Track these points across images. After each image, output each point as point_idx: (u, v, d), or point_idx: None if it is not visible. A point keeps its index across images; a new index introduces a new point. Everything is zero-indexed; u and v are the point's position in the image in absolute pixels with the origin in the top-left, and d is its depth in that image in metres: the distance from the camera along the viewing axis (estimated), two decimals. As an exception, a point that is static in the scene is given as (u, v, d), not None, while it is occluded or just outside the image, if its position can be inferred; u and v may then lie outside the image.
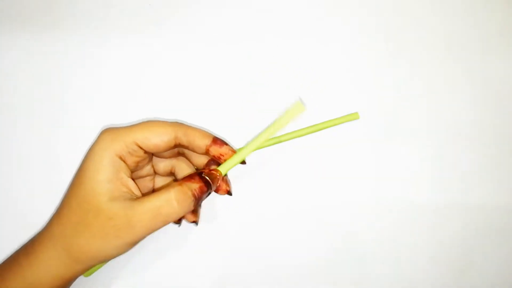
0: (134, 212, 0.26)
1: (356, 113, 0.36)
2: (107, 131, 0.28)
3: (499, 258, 0.37)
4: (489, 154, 0.38)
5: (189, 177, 0.28)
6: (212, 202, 0.36)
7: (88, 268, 0.28)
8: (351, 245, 0.37)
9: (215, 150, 0.30)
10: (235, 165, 0.30)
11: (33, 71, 0.36)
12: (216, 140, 0.30)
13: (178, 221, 0.32)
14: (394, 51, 0.38)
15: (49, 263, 0.27)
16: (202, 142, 0.29)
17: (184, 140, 0.29)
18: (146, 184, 0.33)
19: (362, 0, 0.38)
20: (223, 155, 0.30)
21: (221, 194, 0.31)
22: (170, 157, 0.32)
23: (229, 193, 0.31)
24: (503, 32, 0.39)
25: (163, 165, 0.32)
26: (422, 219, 0.37)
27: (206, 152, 0.30)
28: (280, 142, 0.35)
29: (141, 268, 0.36)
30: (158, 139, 0.28)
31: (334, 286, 0.36)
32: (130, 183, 0.28)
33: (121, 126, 0.30)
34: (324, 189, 0.37)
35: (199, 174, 0.29)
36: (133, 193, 0.28)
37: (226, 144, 0.30)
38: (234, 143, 0.35)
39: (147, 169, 0.32)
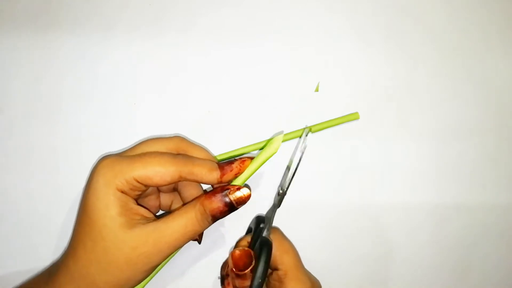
0: (161, 234, 0.26)
1: (356, 113, 0.36)
2: (105, 165, 0.27)
3: (499, 258, 0.37)
4: (489, 154, 0.38)
5: (211, 195, 0.27)
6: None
7: None
8: (350, 245, 0.37)
9: (228, 177, 0.28)
10: (252, 173, 0.29)
11: (32, 71, 0.36)
12: (223, 168, 0.28)
13: (199, 238, 0.32)
14: (394, 50, 0.38)
15: None
16: (211, 178, 0.28)
17: (190, 179, 0.28)
18: (152, 203, 0.32)
19: (363, 0, 0.38)
20: (237, 174, 0.29)
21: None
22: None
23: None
24: (504, 31, 0.39)
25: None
26: (421, 219, 0.37)
27: (218, 183, 0.29)
28: (282, 142, 0.35)
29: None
30: (159, 178, 0.27)
31: (335, 286, 0.36)
32: (141, 210, 0.28)
33: (119, 152, 0.30)
34: (324, 189, 0.37)
35: (222, 193, 0.27)
36: (147, 217, 0.27)
37: (233, 161, 0.29)
38: (235, 143, 0.36)
39: (151, 189, 0.31)
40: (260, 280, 0.28)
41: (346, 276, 0.36)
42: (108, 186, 0.26)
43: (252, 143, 0.36)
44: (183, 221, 0.26)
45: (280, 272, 0.30)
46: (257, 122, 0.36)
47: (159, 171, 0.27)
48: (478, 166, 0.38)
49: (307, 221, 0.36)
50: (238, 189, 0.27)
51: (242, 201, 0.27)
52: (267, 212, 0.32)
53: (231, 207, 0.27)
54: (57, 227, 0.35)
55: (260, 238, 0.30)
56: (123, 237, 0.26)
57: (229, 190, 0.27)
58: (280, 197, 0.31)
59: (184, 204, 0.31)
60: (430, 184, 0.37)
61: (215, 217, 0.27)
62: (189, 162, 0.28)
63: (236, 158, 0.29)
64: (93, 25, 0.37)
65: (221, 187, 0.28)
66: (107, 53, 0.36)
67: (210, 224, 0.28)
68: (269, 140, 0.30)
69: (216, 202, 0.27)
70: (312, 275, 0.33)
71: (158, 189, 0.32)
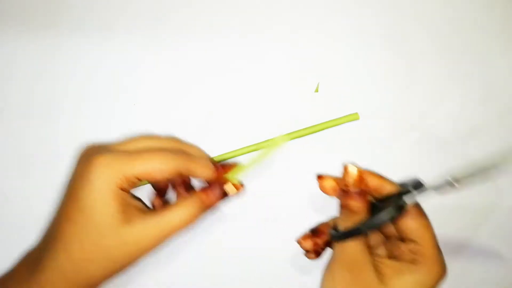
0: (161, 229, 0.27)
1: (356, 113, 0.36)
2: (104, 164, 0.27)
3: (499, 258, 0.37)
4: (489, 154, 0.38)
5: (209, 191, 0.29)
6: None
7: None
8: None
9: (220, 178, 0.31)
10: (250, 167, 0.31)
11: (32, 71, 0.36)
12: (218, 168, 0.31)
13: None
14: (394, 50, 0.38)
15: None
16: (204, 175, 0.30)
17: (185, 174, 0.29)
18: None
19: (363, 0, 0.38)
20: (223, 176, 0.31)
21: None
22: None
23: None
24: (504, 32, 0.38)
25: None
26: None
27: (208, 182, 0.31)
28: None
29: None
30: (159, 175, 0.28)
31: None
32: (136, 202, 0.29)
33: (110, 143, 0.30)
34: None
35: (218, 189, 0.29)
36: (141, 209, 0.28)
37: (227, 164, 0.31)
38: (235, 143, 0.36)
39: None
40: (369, 228, 0.28)
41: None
42: (108, 185, 0.26)
43: (253, 143, 0.36)
44: (183, 216, 0.28)
45: (416, 246, 0.29)
46: (258, 123, 0.36)
47: (159, 168, 0.27)
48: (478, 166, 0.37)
49: (305, 222, 0.36)
50: (233, 184, 0.30)
51: (235, 193, 0.30)
52: (428, 186, 0.30)
53: (225, 197, 0.30)
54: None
55: (401, 199, 0.29)
56: (125, 234, 0.27)
57: (223, 186, 0.30)
58: (449, 188, 0.28)
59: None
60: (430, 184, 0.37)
61: (211, 209, 0.30)
62: (187, 160, 0.29)
63: (230, 162, 0.32)
64: (93, 25, 0.37)
65: (217, 182, 0.30)
66: (107, 53, 0.36)
67: (205, 214, 0.30)
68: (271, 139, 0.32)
69: (213, 197, 0.29)
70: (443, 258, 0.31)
71: None
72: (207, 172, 0.30)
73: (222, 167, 0.31)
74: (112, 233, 0.26)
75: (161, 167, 0.27)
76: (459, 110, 0.38)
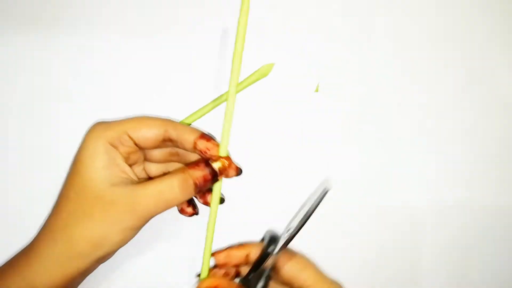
0: (137, 195, 0.26)
1: (271, 64, 0.35)
2: (99, 122, 0.28)
3: (499, 258, 0.37)
4: (489, 154, 0.38)
5: (194, 164, 0.28)
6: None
7: (91, 263, 0.27)
8: (350, 246, 0.36)
9: (202, 144, 0.29)
10: (240, 90, 0.32)
11: (31, 71, 0.36)
12: (204, 135, 0.29)
13: (193, 211, 0.32)
14: (393, 51, 0.38)
15: (49, 260, 0.26)
16: (190, 136, 0.29)
17: (173, 134, 0.29)
18: (139, 173, 0.32)
19: (361, 1, 0.38)
20: (209, 149, 0.29)
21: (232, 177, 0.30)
22: (162, 161, 0.32)
23: (239, 172, 0.30)
24: (504, 32, 0.39)
25: (155, 169, 0.32)
26: (422, 220, 0.37)
27: (194, 147, 0.29)
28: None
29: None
30: (148, 131, 0.28)
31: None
32: (127, 168, 0.28)
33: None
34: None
35: (205, 161, 0.28)
36: (131, 178, 0.28)
37: (213, 138, 0.30)
38: (235, 147, 0.35)
39: (139, 172, 0.31)
40: None
41: (345, 276, 0.36)
42: (98, 137, 0.27)
43: (251, 146, 0.36)
44: (161, 186, 0.27)
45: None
46: (253, 124, 0.36)
47: (146, 123, 0.28)
48: (478, 167, 0.38)
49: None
50: (221, 158, 0.29)
51: (224, 170, 0.29)
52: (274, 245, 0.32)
53: (214, 176, 0.28)
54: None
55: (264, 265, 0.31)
56: (104, 192, 0.26)
57: (211, 159, 0.28)
58: (287, 239, 0.31)
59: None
60: (430, 184, 0.37)
61: (198, 185, 0.28)
62: (174, 121, 0.29)
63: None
64: (93, 25, 0.36)
65: (206, 158, 0.29)
66: (108, 52, 0.36)
67: (192, 193, 0.28)
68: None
69: (200, 169, 0.28)
70: (334, 281, 0.33)
71: (147, 174, 0.32)
72: (194, 133, 0.29)
73: (208, 137, 0.29)
74: (93, 187, 0.26)
75: (150, 123, 0.28)
76: (460, 109, 0.37)
